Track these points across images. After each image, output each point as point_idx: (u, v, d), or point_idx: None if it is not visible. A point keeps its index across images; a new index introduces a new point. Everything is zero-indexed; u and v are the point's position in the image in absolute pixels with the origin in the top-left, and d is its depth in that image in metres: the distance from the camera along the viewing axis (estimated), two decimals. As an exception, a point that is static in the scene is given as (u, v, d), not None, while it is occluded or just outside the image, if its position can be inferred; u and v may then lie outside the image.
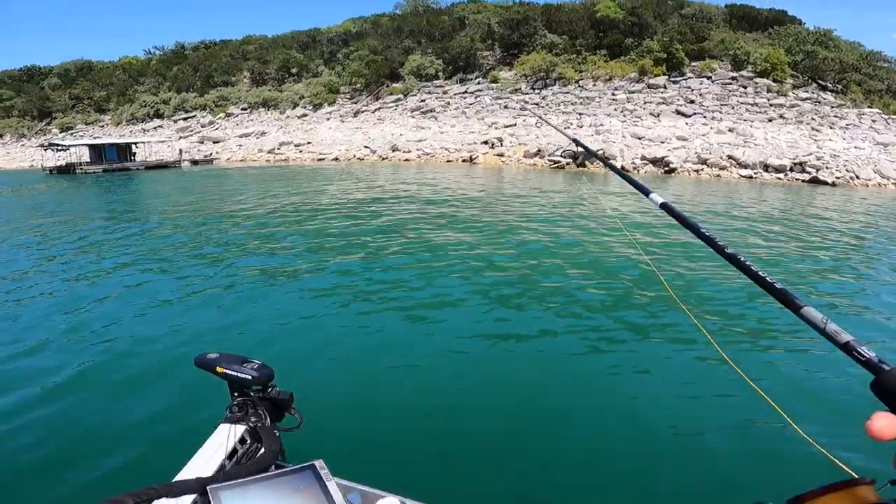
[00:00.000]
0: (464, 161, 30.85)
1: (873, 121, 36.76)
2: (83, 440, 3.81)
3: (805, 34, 44.66)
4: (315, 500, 1.13)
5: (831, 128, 35.16)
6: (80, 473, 3.40)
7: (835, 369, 4.63)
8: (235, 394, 1.41)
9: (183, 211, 15.15)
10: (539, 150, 29.80)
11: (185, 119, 51.78)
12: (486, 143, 32.24)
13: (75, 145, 38.54)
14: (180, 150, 40.22)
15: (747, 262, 0.61)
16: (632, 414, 4.13)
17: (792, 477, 3.14)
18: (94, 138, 46.72)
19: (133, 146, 41.07)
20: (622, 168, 27.52)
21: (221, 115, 50.46)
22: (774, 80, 39.27)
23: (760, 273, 0.58)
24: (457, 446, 3.57)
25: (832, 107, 38.47)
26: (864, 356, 0.49)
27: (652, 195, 0.95)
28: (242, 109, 50.74)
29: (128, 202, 19.27)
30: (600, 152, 28.65)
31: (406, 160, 32.42)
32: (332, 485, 1.17)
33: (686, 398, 4.41)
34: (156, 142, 43.94)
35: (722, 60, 40.16)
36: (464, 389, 4.48)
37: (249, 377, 1.36)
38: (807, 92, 40.01)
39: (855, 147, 31.47)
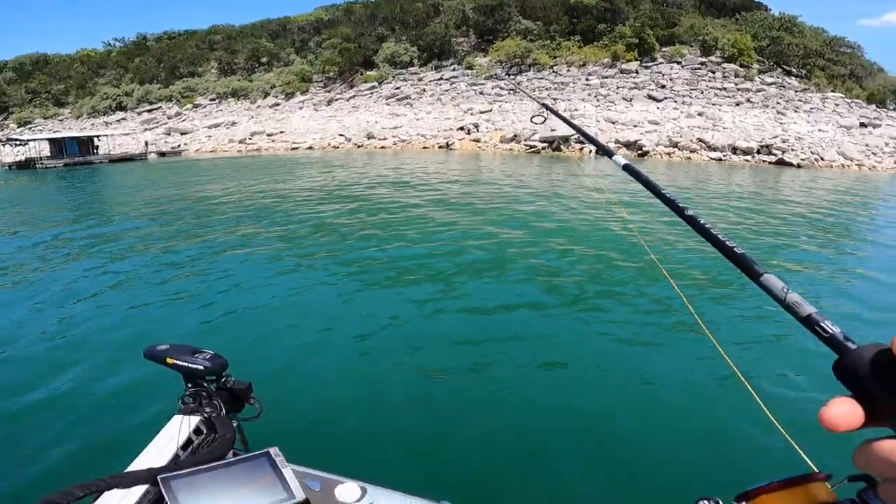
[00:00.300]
0: (440, 147, 30.66)
1: (836, 105, 38.01)
2: (27, 434, 3.62)
3: (771, 20, 45.76)
4: (270, 487, 1.12)
5: (796, 111, 36.21)
6: (24, 470, 3.22)
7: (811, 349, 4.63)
8: (189, 385, 1.38)
9: (143, 204, 14.54)
10: (515, 136, 29.83)
11: (149, 111, 50.07)
12: (462, 129, 32.10)
13: (34, 139, 36.81)
14: (146, 142, 38.85)
15: (707, 226, 0.58)
16: (598, 389, 4.04)
17: (750, 464, 3.07)
18: (54, 132, 44.71)
19: (95, 139, 39.43)
20: (596, 151, 27.79)
21: (189, 106, 48.95)
22: (741, 66, 40.16)
23: (720, 237, 0.55)
24: (419, 432, 3.51)
25: (797, 91, 39.61)
26: (827, 331, 0.43)
27: (615, 157, 0.93)
28: (211, 100, 49.31)
29: (90, 197, 18.48)
30: (573, 136, 28.85)
31: (382, 147, 32.04)
32: (288, 471, 1.16)
33: (659, 371, 4.36)
34: (119, 134, 42.31)
35: (691, 46, 40.85)
36: (427, 374, 4.38)
37: (201, 367, 1.34)
38: (772, 77, 41.07)
39: (819, 130, 32.49)
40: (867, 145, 30.12)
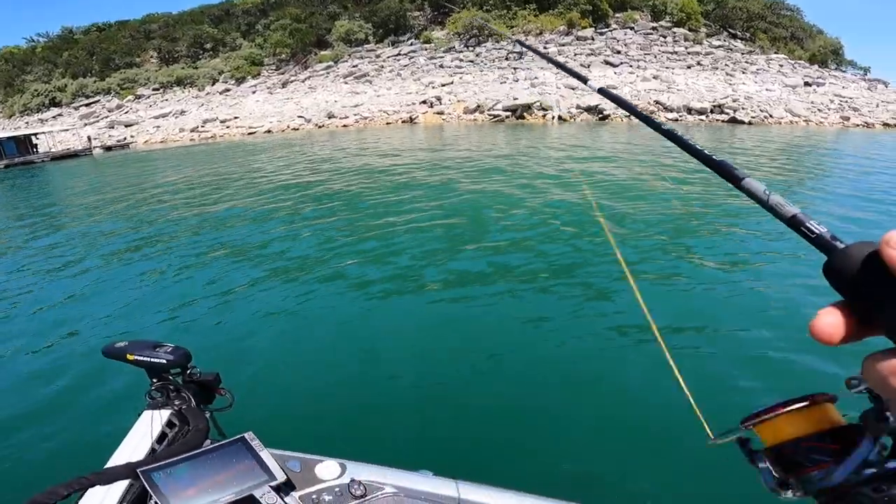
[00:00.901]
0: (403, 122, 30.23)
1: (780, 66, 39.68)
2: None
3: (715, -16, 46.97)
4: (250, 471, 1.14)
5: (743, 73, 37.61)
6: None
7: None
8: (154, 379, 1.37)
9: (93, 202, 13.52)
10: (478, 106, 29.72)
11: (87, 105, 47.13)
12: (424, 102, 31.72)
13: (-34, 142, 33.99)
14: (89, 137, 36.54)
15: (686, 138, 0.57)
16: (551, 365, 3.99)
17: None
18: (-16, 132, 41.40)
19: (34, 137, 36.84)
20: (559, 117, 28.07)
21: (130, 97, 46.32)
22: (690, 30, 41.25)
23: (698, 146, 0.53)
24: (391, 409, 3.50)
25: (742, 53, 41.08)
26: (814, 231, 0.40)
27: (590, 82, 0.93)
28: (154, 90, 46.79)
29: (36, 198, 17.23)
30: (536, 104, 29.01)
31: (344, 126, 31.30)
32: (266, 454, 1.17)
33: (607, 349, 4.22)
34: (59, 131, 39.60)
35: (642, 11, 41.59)
36: (393, 352, 4.30)
37: (164, 361, 1.33)
38: (719, 40, 42.40)
39: (766, 90, 33.89)
40: (812, 103, 31.64)
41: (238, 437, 1.21)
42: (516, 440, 3.09)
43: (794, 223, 0.41)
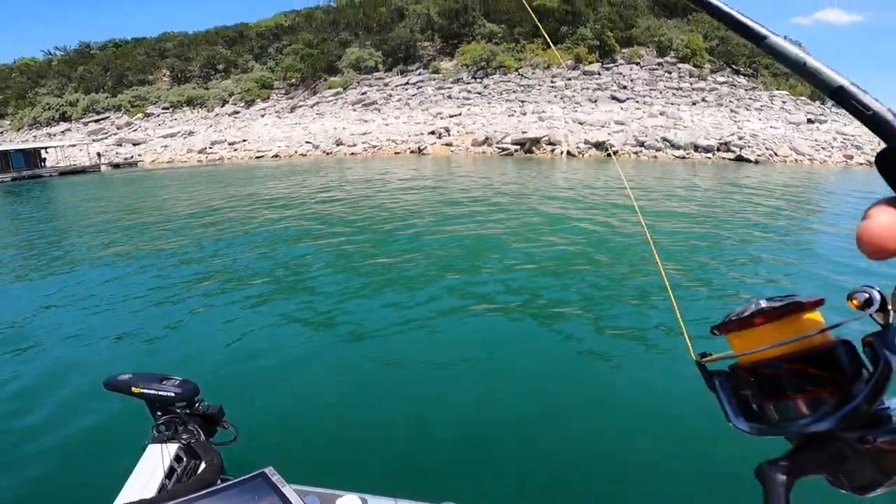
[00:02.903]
0: (412, 152, 30.41)
1: (783, 102, 40.17)
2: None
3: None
4: None
5: (748, 109, 38.05)
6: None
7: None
8: (159, 413, 1.35)
9: (102, 220, 13.53)
10: (487, 138, 29.93)
11: (96, 121, 47.50)
12: (433, 133, 31.95)
13: (-24, 153, 34.16)
14: (98, 154, 36.77)
15: None
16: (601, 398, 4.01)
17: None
18: (-8, 145, 41.68)
19: (42, 151, 37.05)
20: (567, 152, 28.22)
21: (139, 115, 46.73)
22: (695, 66, 41.87)
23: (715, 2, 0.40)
24: (408, 437, 3.45)
25: (746, 90, 41.64)
26: (868, 108, 0.32)
27: None
28: (164, 109, 47.23)
29: (47, 214, 17.21)
30: (545, 138, 29.22)
31: (352, 154, 31.48)
32: (289, 490, 1.14)
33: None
34: (67, 146, 39.85)
35: (648, 47, 42.26)
36: (407, 380, 4.30)
37: (172, 394, 1.31)
38: (723, 76, 43.01)
39: (771, 127, 34.22)
40: (816, 140, 31.90)
41: (258, 472, 1.16)
42: (544, 476, 2.98)
43: (841, 96, 0.33)
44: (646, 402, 3.80)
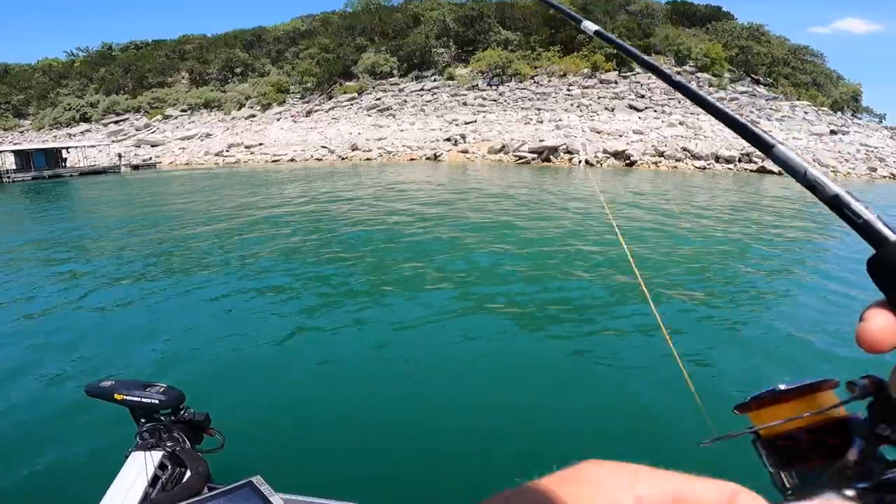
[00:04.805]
0: (428, 159, 30.28)
1: (805, 112, 39.43)
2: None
3: (739, 29, 47.32)
4: None
5: (768, 120, 37.38)
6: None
7: None
8: (143, 420, 1.31)
9: (124, 223, 13.56)
10: (504, 146, 29.71)
11: (116, 122, 48.18)
12: (448, 139, 31.82)
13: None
14: (119, 155, 37.22)
15: (694, 88, 0.49)
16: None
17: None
18: (14, 144, 42.39)
19: (63, 151, 37.56)
20: (585, 161, 27.89)
21: (158, 117, 47.31)
22: (714, 75, 41.35)
23: (718, 105, 0.44)
24: (395, 447, 3.45)
25: (767, 100, 40.98)
26: (860, 216, 0.34)
27: (584, 24, 0.82)
28: (182, 111, 47.78)
29: (70, 214, 17.33)
30: (562, 147, 28.93)
31: (367, 159, 31.45)
32: (277, 499, 1.10)
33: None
34: (88, 146, 40.37)
35: (666, 56, 41.82)
36: (396, 389, 4.29)
37: (157, 401, 1.28)
38: (743, 86, 42.41)
39: (793, 138, 33.52)
40: (839, 152, 31.21)
41: (245, 480, 1.13)
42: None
43: (836, 204, 0.35)
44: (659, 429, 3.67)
